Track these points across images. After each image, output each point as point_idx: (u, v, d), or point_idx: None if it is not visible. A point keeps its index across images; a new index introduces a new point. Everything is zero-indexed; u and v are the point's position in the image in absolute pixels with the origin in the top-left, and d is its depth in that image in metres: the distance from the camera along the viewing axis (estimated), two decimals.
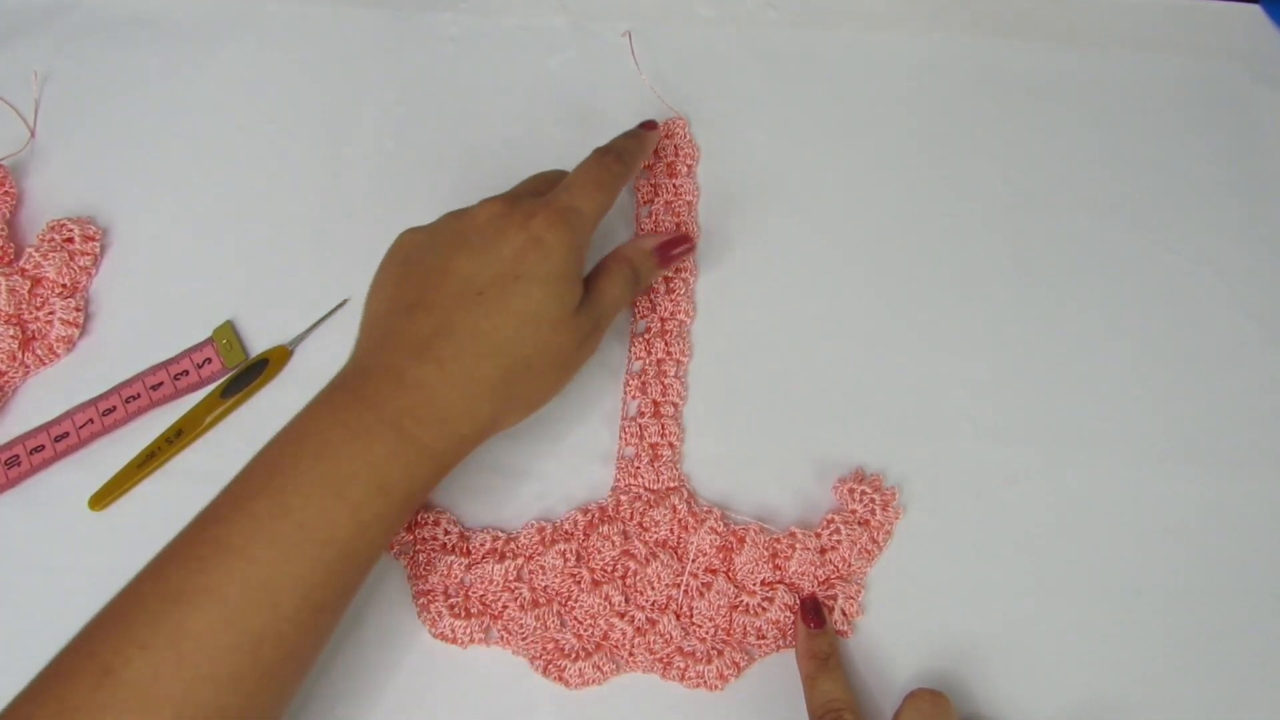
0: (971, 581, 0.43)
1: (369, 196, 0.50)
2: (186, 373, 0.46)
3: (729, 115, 0.52)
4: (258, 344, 0.47)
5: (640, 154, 0.45)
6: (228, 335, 0.47)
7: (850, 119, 0.52)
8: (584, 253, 0.40)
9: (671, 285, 0.47)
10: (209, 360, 0.46)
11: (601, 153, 0.43)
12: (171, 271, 0.49)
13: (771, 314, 0.48)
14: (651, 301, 0.47)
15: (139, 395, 0.46)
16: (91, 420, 0.45)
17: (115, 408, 0.46)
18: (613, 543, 0.43)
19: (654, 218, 0.49)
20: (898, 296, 0.48)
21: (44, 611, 0.43)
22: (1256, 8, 0.54)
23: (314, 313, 0.48)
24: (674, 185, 0.49)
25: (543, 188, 0.43)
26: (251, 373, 0.46)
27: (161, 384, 0.46)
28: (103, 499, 0.44)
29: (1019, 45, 0.53)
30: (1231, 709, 0.42)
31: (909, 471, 0.45)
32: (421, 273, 0.39)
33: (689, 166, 0.50)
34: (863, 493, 0.43)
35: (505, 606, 0.42)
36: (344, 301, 0.48)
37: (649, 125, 0.47)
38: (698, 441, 0.45)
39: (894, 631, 0.42)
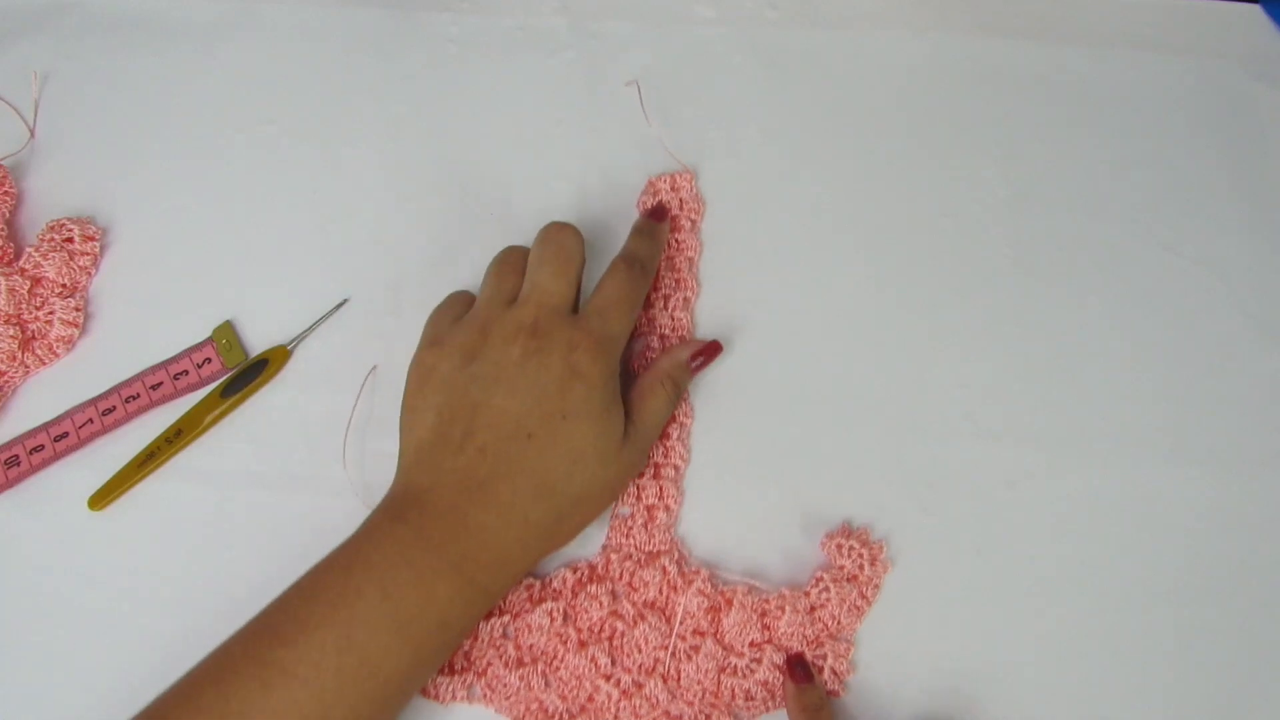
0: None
1: (369, 196, 0.50)
2: (186, 372, 0.46)
3: (728, 116, 0.52)
4: (258, 344, 0.47)
5: (659, 254, 0.46)
6: (228, 335, 0.47)
7: (850, 119, 0.52)
8: (618, 372, 0.41)
9: (668, 344, 0.46)
10: (209, 360, 0.46)
11: (628, 264, 0.43)
12: (171, 271, 0.49)
13: (769, 330, 0.48)
14: (647, 360, 0.46)
15: (139, 395, 0.46)
16: (91, 420, 0.45)
17: (115, 407, 0.46)
18: (600, 603, 0.42)
19: (654, 275, 0.47)
20: (898, 297, 0.48)
21: (44, 611, 0.43)
22: (1256, 8, 0.54)
23: (314, 313, 0.48)
24: (676, 240, 0.48)
25: (515, 279, 0.43)
26: (251, 373, 0.46)
27: (161, 384, 0.46)
28: (103, 499, 0.44)
29: (1019, 45, 0.53)
30: (1233, 709, 0.42)
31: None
32: (466, 408, 0.40)
33: (693, 221, 0.49)
34: (850, 548, 0.42)
35: (489, 664, 0.41)
36: (344, 301, 0.48)
37: (658, 215, 0.47)
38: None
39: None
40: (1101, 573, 0.43)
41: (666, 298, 0.47)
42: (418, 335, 0.46)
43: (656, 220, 0.47)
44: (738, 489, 0.45)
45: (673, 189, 0.49)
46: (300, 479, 0.45)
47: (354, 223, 0.50)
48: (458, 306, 0.44)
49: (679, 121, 0.51)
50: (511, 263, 0.44)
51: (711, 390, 0.46)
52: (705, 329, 0.47)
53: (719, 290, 0.48)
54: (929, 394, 0.46)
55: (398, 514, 0.39)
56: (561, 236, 0.43)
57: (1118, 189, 0.50)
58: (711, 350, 0.45)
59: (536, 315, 0.41)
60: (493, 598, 0.39)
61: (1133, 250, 0.49)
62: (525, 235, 0.49)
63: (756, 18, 0.54)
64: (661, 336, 0.47)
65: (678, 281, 0.48)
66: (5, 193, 0.49)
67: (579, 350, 0.40)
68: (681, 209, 0.49)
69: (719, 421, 0.46)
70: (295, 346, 0.47)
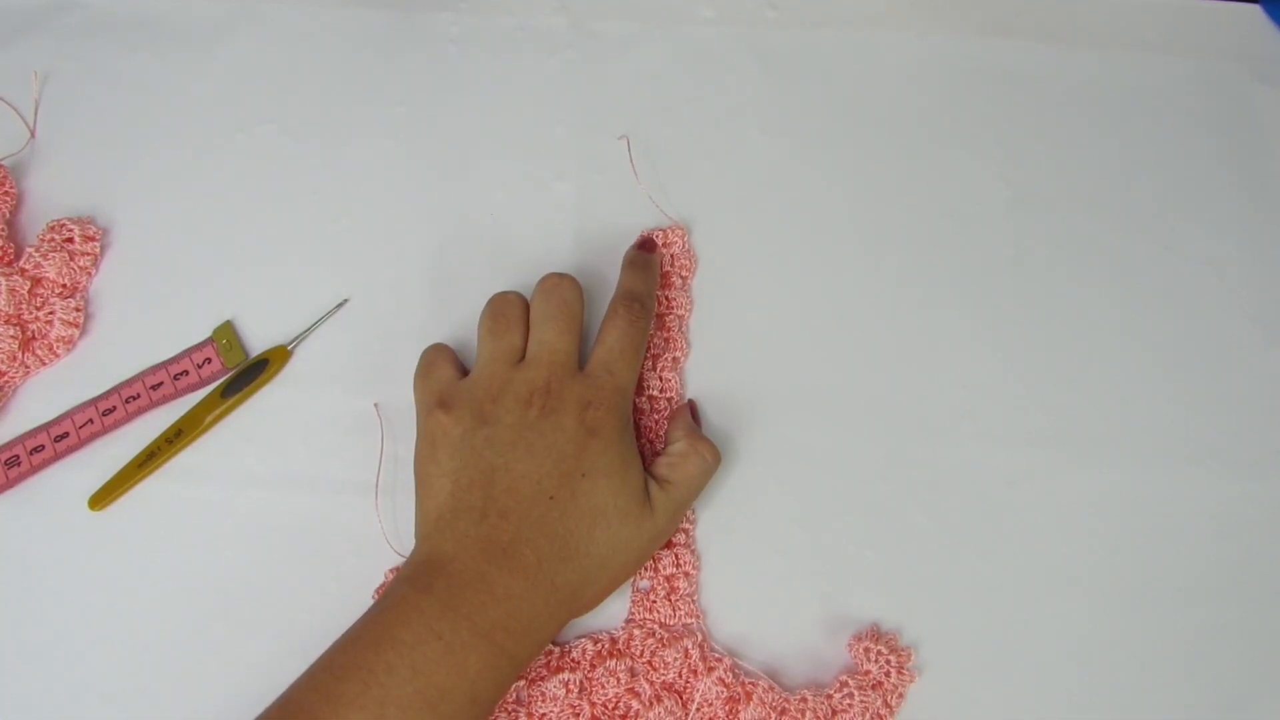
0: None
1: (369, 196, 0.50)
2: (186, 373, 0.46)
3: (727, 117, 0.52)
4: (258, 344, 0.47)
5: (656, 285, 0.46)
6: (228, 335, 0.47)
7: (850, 119, 0.52)
8: (631, 423, 0.41)
9: (656, 405, 0.46)
10: (209, 360, 0.46)
11: (628, 306, 0.43)
12: (171, 271, 0.49)
13: (766, 334, 0.47)
14: (636, 423, 0.45)
15: (139, 395, 0.46)
16: (91, 420, 0.45)
17: (115, 408, 0.46)
18: (618, 679, 0.41)
19: None
20: (897, 297, 0.48)
21: (44, 612, 0.43)
22: (1256, 8, 0.54)
23: (314, 313, 0.48)
24: (667, 298, 0.47)
25: (515, 333, 0.42)
26: (251, 373, 0.46)
27: (161, 384, 0.46)
28: (103, 499, 0.44)
29: (1019, 45, 0.53)
30: (1236, 710, 0.42)
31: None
32: (483, 473, 0.39)
33: (684, 278, 0.48)
34: (878, 653, 0.41)
35: None
36: (344, 301, 0.48)
37: (648, 245, 0.47)
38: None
39: None
40: (1101, 573, 0.43)
41: (655, 357, 0.46)
42: (418, 335, 0.47)
43: (648, 252, 0.47)
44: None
45: (664, 244, 0.48)
46: (300, 479, 0.45)
47: (354, 223, 0.50)
48: (445, 366, 0.43)
49: (679, 123, 0.51)
50: (507, 316, 0.43)
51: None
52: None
53: (705, 313, 0.48)
54: (929, 394, 0.46)
55: (424, 585, 0.38)
56: (562, 290, 0.43)
57: (1118, 189, 0.50)
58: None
59: (549, 377, 0.40)
60: (521, 666, 0.38)
61: (1133, 250, 0.49)
62: (525, 235, 0.49)
63: (756, 18, 0.54)
64: (650, 398, 0.46)
65: (667, 340, 0.47)
66: (5, 193, 0.49)
67: (592, 408, 0.40)
68: (673, 264, 0.48)
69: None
70: (295, 346, 0.47)
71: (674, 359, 0.46)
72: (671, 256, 0.48)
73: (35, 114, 0.52)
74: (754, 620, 0.43)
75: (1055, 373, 0.47)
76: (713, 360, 0.47)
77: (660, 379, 0.46)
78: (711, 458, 0.42)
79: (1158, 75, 0.52)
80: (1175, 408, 0.46)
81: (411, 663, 0.36)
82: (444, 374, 0.42)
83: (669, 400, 0.46)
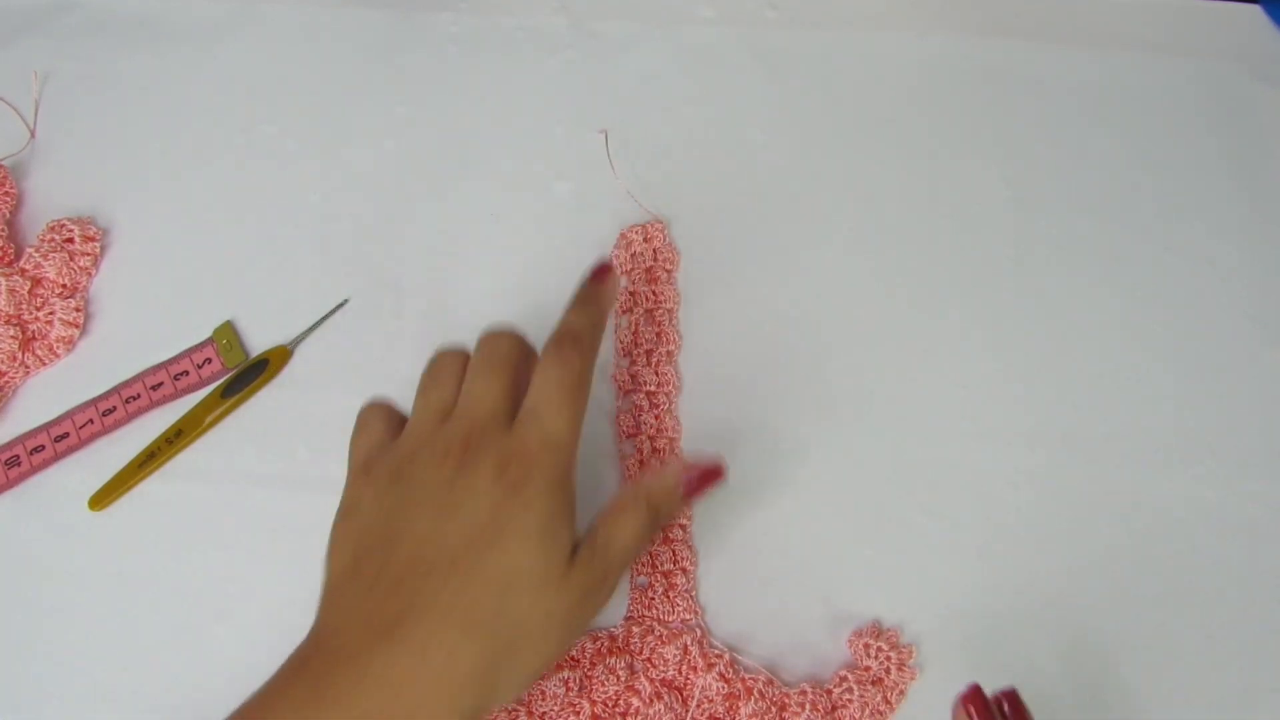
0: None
1: (369, 196, 0.50)
2: (186, 373, 0.46)
3: (727, 117, 0.52)
4: (258, 344, 0.47)
5: (602, 319, 0.40)
6: (228, 335, 0.47)
7: (850, 119, 0.52)
8: (570, 482, 0.35)
9: (655, 400, 0.46)
10: (209, 360, 0.46)
11: (558, 347, 0.37)
12: (171, 271, 0.49)
13: (762, 331, 0.47)
14: (635, 420, 0.45)
15: (139, 395, 0.46)
16: (91, 420, 0.45)
17: (115, 408, 0.46)
18: (618, 676, 0.41)
19: (634, 328, 0.47)
20: (897, 299, 0.48)
21: (44, 612, 0.43)
22: (1256, 8, 0.54)
23: (314, 313, 0.48)
24: (653, 292, 0.47)
25: (447, 389, 0.38)
26: (251, 373, 0.46)
27: (161, 384, 0.46)
28: (103, 499, 0.44)
29: (1019, 45, 0.53)
30: (1235, 709, 0.42)
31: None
32: (387, 538, 0.35)
33: (669, 271, 0.48)
34: (879, 649, 0.41)
35: None
36: (344, 301, 0.48)
37: (602, 271, 0.41)
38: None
39: None
40: (1101, 572, 0.43)
41: (649, 353, 0.46)
42: (418, 335, 0.47)
43: (599, 281, 0.40)
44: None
45: (645, 239, 0.48)
46: (301, 479, 0.45)
47: (354, 223, 0.50)
48: (377, 425, 0.39)
49: (679, 123, 0.51)
50: (440, 371, 0.39)
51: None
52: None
53: (700, 309, 0.48)
54: (932, 398, 0.46)
55: (299, 664, 0.34)
56: (496, 341, 0.38)
57: (1118, 189, 0.50)
58: (708, 475, 0.39)
59: (468, 430, 0.36)
60: None
61: (1133, 250, 0.49)
62: (525, 235, 0.49)
63: (756, 18, 0.54)
64: (649, 393, 0.46)
65: (659, 335, 0.47)
66: (5, 193, 0.49)
67: (512, 464, 0.34)
68: (656, 259, 0.48)
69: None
70: (295, 346, 0.47)
71: (668, 353, 0.46)
72: (654, 251, 0.48)
73: (35, 114, 0.52)
74: (753, 616, 0.43)
75: (1055, 373, 0.47)
76: (708, 354, 0.47)
77: (657, 374, 0.46)
78: (658, 513, 0.37)
79: (1158, 75, 0.52)
80: (1175, 408, 0.46)
81: None
82: (373, 435, 0.39)
83: (667, 395, 0.46)
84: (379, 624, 0.33)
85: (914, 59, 0.53)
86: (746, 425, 0.46)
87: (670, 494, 0.38)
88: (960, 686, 0.41)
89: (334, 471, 0.45)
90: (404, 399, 0.44)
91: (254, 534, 0.44)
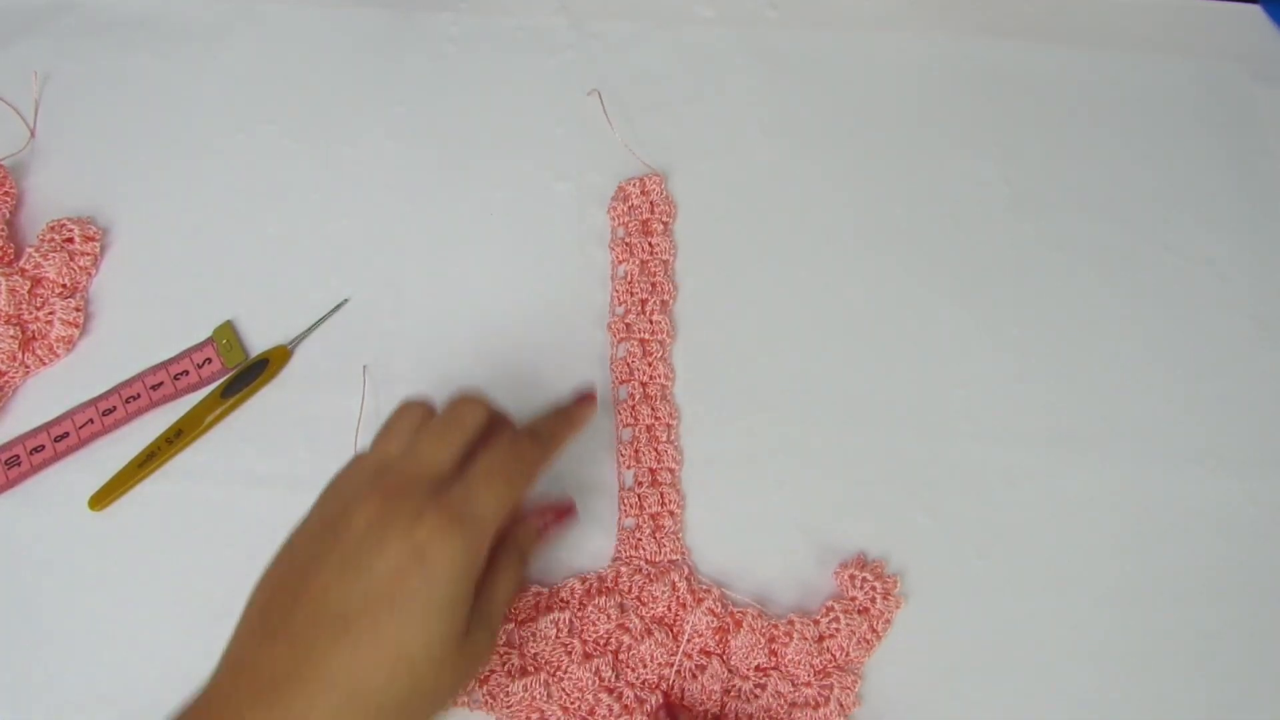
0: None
1: (369, 197, 0.50)
2: (186, 373, 0.46)
3: (727, 117, 0.52)
4: (258, 344, 0.47)
5: (566, 436, 0.39)
6: (228, 335, 0.47)
7: (850, 119, 0.52)
8: (479, 561, 0.34)
9: (648, 349, 0.46)
10: (209, 360, 0.46)
11: (516, 434, 0.37)
12: (171, 271, 0.49)
13: (759, 339, 0.47)
14: (629, 366, 0.46)
15: (139, 395, 0.46)
16: (91, 420, 0.45)
17: (115, 408, 0.46)
18: (608, 615, 0.41)
19: (630, 279, 0.47)
20: (897, 297, 0.48)
21: (44, 612, 0.43)
22: (1256, 8, 0.54)
23: (314, 313, 0.48)
24: (649, 244, 0.48)
25: (403, 435, 0.37)
26: (251, 373, 0.46)
27: (161, 384, 0.46)
28: (103, 499, 0.44)
29: (1019, 45, 0.53)
30: (1237, 709, 0.42)
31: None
32: (288, 588, 0.33)
33: (665, 224, 0.48)
34: (864, 580, 0.42)
35: (492, 671, 0.41)
36: (344, 301, 0.48)
37: (585, 400, 0.40)
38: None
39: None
40: (1101, 572, 0.43)
41: (644, 301, 0.47)
42: (418, 335, 0.47)
43: (580, 404, 0.40)
44: (737, 491, 0.45)
45: (642, 192, 0.49)
46: (301, 479, 0.45)
47: (354, 223, 0.50)
48: (390, 440, 0.38)
49: (679, 123, 0.51)
50: (395, 426, 0.37)
51: (703, 390, 0.46)
52: (687, 329, 0.47)
53: (700, 293, 0.48)
54: (928, 394, 0.46)
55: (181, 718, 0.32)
56: (460, 405, 0.37)
57: (1118, 189, 0.50)
58: (561, 513, 0.41)
59: (396, 483, 0.34)
60: None
61: (1133, 250, 0.49)
62: (525, 235, 0.49)
63: (756, 18, 0.54)
64: (641, 341, 0.46)
65: (654, 285, 0.47)
66: (5, 193, 0.49)
67: (426, 527, 0.33)
68: (653, 212, 0.48)
69: (714, 424, 0.46)
70: (295, 346, 0.47)
71: (662, 302, 0.47)
72: (650, 204, 0.48)
73: (35, 114, 0.52)
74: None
75: (1055, 372, 0.47)
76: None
77: (650, 322, 0.46)
78: (525, 560, 0.38)
79: (1158, 75, 0.52)
80: (1175, 407, 0.46)
81: None
82: (371, 454, 0.37)
83: (660, 343, 0.46)
84: (265, 681, 0.32)
85: (914, 59, 0.53)
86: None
87: (531, 537, 0.40)
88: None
89: (334, 471, 0.45)
90: (404, 399, 0.44)
91: (254, 534, 0.44)
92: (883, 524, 0.44)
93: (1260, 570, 0.43)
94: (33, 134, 0.52)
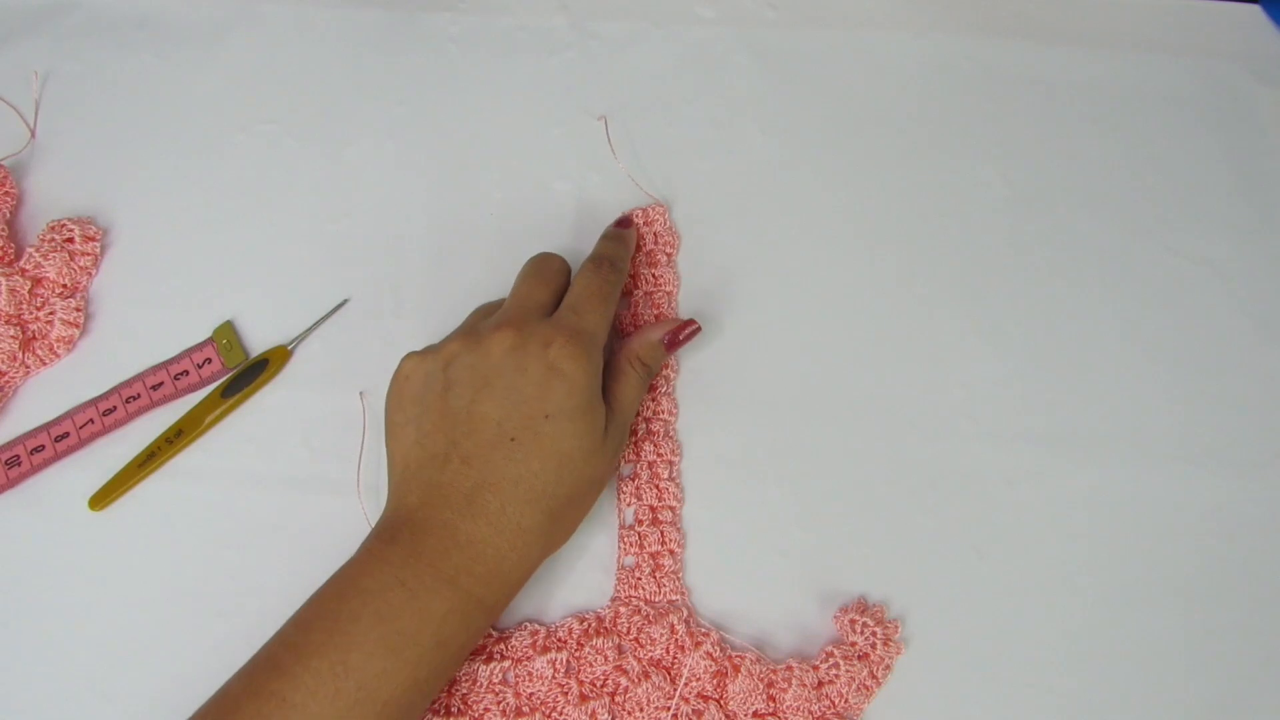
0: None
1: (369, 196, 0.50)
2: (186, 373, 0.46)
3: (727, 117, 0.52)
4: (258, 344, 0.47)
5: (628, 255, 0.46)
6: (228, 335, 0.47)
7: (850, 119, 0.52)
8: (599, 368, 0.40)
9: (653, 382, 0.46)
10: (209, 360, 0.46)
11: (596, 263, 0.43)
12: (171, 271, 0.49)
13: (761, 329, 0.47)
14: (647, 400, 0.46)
15: (139, 395, 0.46)
16: (92, 420, 0.45)
17: (115, 408, 0.46)
18: (606, 656, 0.41)
19: (634, 309, 0.47)
20: (897, 297, 0.48)
21: (44, 612, 0.43)
22: (1256, 8, 0.54)
23: (314, 313, 0.48)
24: (654, 275, 0.48)
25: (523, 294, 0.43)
26: (251, 373, 0.46)
27: (161, 384, 0.46)
28: (103, 499, 0.44)
29: (1019, 45, 0.53)
30: (1238, 709, 0.42)
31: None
32: (447, 418, 0.39)
33: (669, 255, 0.48)
34: (864, 624, 0.41)
35: (487, 709, 0.40)
36: (344, 301, 0.48)
37: (624, 223, 0.47)
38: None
39: None
40: (1100, 571, 0.43)
41: None
42: (418, 335, 0.47)
43: (622, 226, 0.47)
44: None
45: (646, 223, 0.48)
46: (300, 479, 0.45)
47: (354, 223, 0.50)
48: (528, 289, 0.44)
49: (679, 123, 0.51)
50: (530, 275, 0.44)
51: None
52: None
53: (701, 315, 0.48)
54: (928, 394, 0.46)
55: (390, 536, 0.38)
56: (547, 258, 0.44)
57: (1118, 189, 0.50)
58: (685, 330, 0.44)
59: (514, 319, 0.40)
60: (491, 612, 0.38)
61: (1133, 250, 0.49)
62: (525, 235, 0.49)
63: (756, 18, 0.54)
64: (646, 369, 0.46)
65: (658, 317, 0.47)
66: (5, 193, 0.49)
67: (554, 346, 0.39)
68: (656, 243, 0.48)
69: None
70: (295, 346, 0.47)
71: None
72: (655, 235, 0.48)
73: (35, 114, 0.52)
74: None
75: (1055, 372, 0.47)
76: (705, 345, 0.47)
77: None
78: (649, 368, 0.43)
79: (1158, 75, 0.52)
80: (1175, 407, 0.46)
81: (375, 609, 0.36)
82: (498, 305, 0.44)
83: (664, 377, 0.46)
84: (457, 496, 0.38)
85: (914, 59, 0.53)
86: (742, 407, 0.46)
87: (654, 349, 0.43)
88: (946, 664, 0.42)
89: (334, 471, 0.45)
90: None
91: (254, 534, 0.44)
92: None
93: (1260, 570, 0.43)
94: (33, 134, 0.52)
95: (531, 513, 0.38)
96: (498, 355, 0.39)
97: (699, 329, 0.44)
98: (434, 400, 0.40)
